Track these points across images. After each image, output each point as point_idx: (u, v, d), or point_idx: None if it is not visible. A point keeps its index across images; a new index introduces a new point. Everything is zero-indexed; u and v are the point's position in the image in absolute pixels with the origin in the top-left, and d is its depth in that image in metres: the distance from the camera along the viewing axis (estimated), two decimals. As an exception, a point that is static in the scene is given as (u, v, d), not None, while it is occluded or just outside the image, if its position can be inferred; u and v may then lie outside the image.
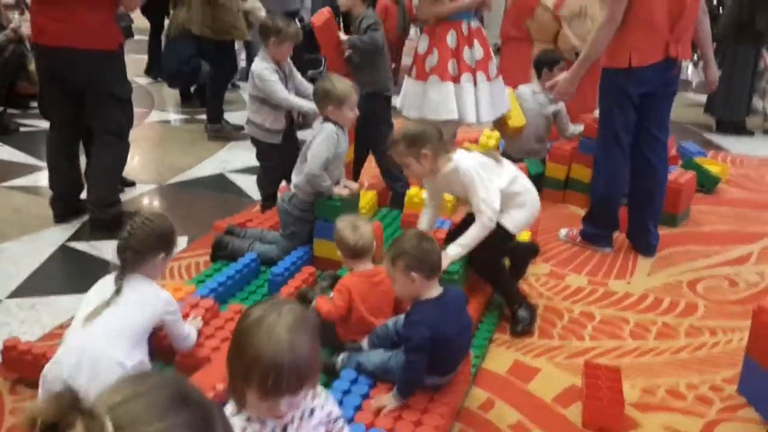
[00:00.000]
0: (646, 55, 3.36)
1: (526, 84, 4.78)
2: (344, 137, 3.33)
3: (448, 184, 2.98)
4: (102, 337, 2.05)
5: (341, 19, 7.85)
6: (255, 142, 3.99)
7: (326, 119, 3.28)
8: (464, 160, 2.86)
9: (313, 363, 1.44)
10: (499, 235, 2.88)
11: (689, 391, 2.62)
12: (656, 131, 3.57)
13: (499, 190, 2.84)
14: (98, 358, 2.01)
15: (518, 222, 2.93)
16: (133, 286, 2.16)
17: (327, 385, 2.33)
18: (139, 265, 2.20)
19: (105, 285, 2.21)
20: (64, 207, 3.97)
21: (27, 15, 7.59)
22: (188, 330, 2.39)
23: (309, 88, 3.98)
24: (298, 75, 4.01)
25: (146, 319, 2.16)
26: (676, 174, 4.23)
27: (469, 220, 2.94)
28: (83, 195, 3.96)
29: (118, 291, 2.13)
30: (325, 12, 4.29)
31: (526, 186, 2.96)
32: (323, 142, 3.21)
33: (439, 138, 2.87)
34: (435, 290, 2.29)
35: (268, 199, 4.08)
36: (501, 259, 3.03)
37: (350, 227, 2.67)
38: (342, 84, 3.25)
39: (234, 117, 6.21)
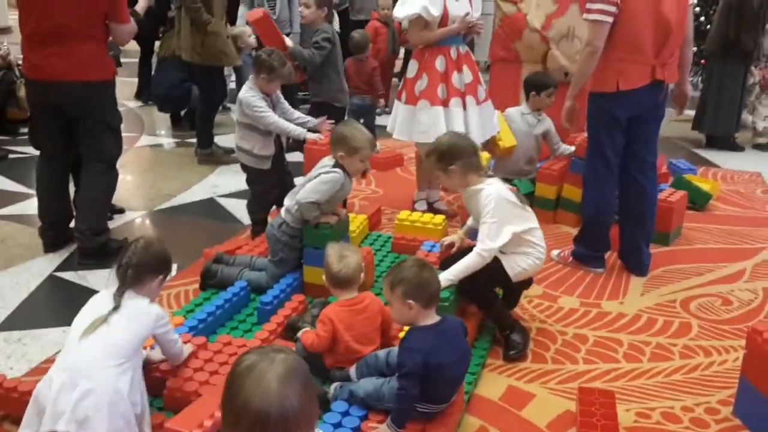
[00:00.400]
0: (633, 79, 3.37)
1: (515, 107, 4.78)
2: (349, 184, 3.29)
3: (469, 202, 3.02)
4: (98, 354, 2.08)
5: (338, 16, 7.89)
6: (244, 167, 3.97)
7: (336, 163, 3.22)
8: (492, 187, 2.89)
9: (305, 414, 1.39)
10: (496, 271, 2.88)
11: (684, 413, 2.59)
12: (645, 153, 3.57)
13: (511, 232, 2.85)
14: (92, 377, 2.04)
15: (517, 268, 2.92)
16: (129, 303, 2.21)
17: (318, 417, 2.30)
18: (138, 284, 2.25)
19: (100, 301, 2.23)
20: (53, 236, 3.94)
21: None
22: (179, 339, 2.46)
23: (294, 113, 4.03)
24: (284, 102, 4.00)
25: (139, 333, 2.20)
26: (667, 193, 4.23)
27: (466, 251, 2.95)
28: (72, 223, 3.93)
29: (116, 308, 2.17)
30: (259, 11, 4.74)
31: (539, 242, 2.96)
32: (327, 184, 3.15)
33: (470, 155, 2.91)
34: (432, 318, 2.28)
35: (259, 224, 4.05)
36: (493, 289, 3.00)
37: (337, 256, 2.66)
38: (360, 135, 3.19)
39: (224, 140, 6.19)
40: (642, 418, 2.56)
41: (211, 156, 5.87)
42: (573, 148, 4.48)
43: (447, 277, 2.83)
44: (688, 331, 3.19)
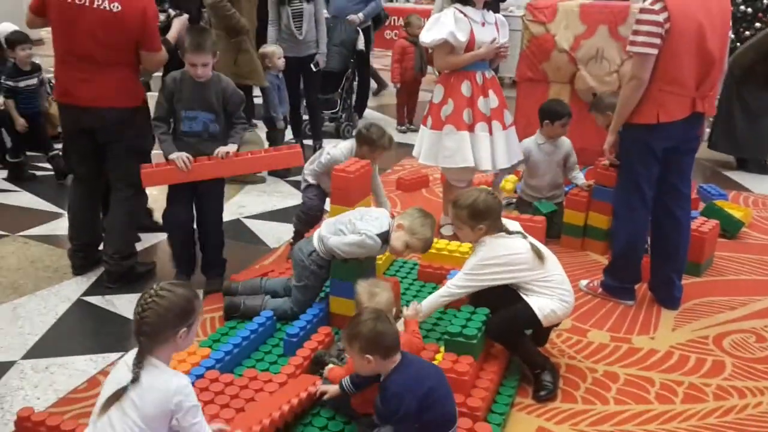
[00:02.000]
0: (673, 111, 3.31)
1: (529, 138, 4.65)
2: (382, 251, 3.29)
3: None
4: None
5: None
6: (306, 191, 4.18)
7: (388, 231, 3.16)
8: (487, 245, 2.90)
9: None
10: (526, 314, 2.85)
11: (719, 460, 2.53)
12: (680, 184, 3.51)
13: (493, 284, 2.89)
14: None
15: (546, 310, 2.86)
16: (150, 375, 1.95)
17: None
18: (157, 346, 1.98)
19: (123, 368, 2.00)
20: (83, 258, 3.97)
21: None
22: (203, 426, 2.03)
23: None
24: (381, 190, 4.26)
25: (160, 413, 1.94)
26: (699, 222, 4.16)
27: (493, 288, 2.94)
28: (101, 247, 3.97)
29: (135, 380, 1.93)
30: None
31: (560, 285, 2.92)
32: (362, 248, 3.11)
33: (497, 218, 2.92)
34: (394, 363, 2.29)
35: (299, 238, 4.07)
36: (522, 331, 2.95)
37: (367, 293, 2.65)
38: (429, 233, 3.14)
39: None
40: (675, 464, 2.50)
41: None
42: (586, 181, 4.41)
43: (424, 306, 2.96)
44: (721, 370, 3.12)
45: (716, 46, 3.26)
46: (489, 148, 4.23)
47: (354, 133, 4.52)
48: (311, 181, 4.11)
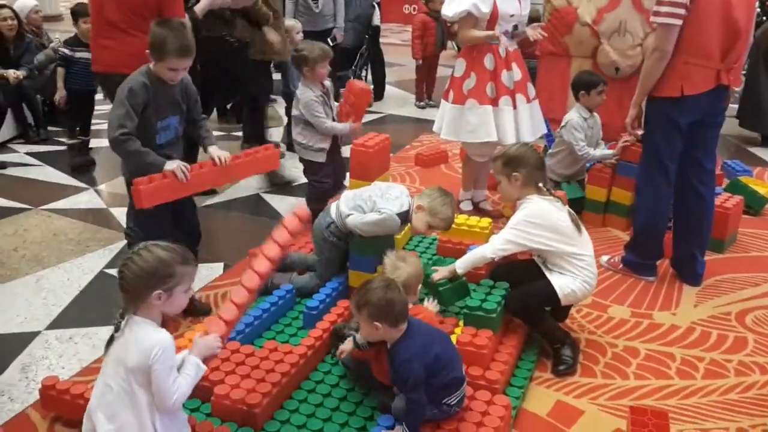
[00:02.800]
0: (698, 84, 3.25)
1: (572, 112, 4.48)
2: (402, 230, 3.27)
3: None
4: (106, 393, 1.94)
5: None
6: (302, 160, 4.12)
7: (409, 210, 3.10)
8: (535, 203, 2.85)
9: None
10: (546, 291, 2.83)
11: (740, 436, 2.52)
12: (704, 160, 3.46)
13: (536, 247, 2.85)
14: (110, 418, 1.92)
15: (567, 289, 2.84)
16: (133, 331, 1.94)
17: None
18: (138, 304, 1.96)
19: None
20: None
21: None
22: (175, 388, 1.95)
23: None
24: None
25: (140, 364, 1.90)
26: (723, 198, 4.10)
27: (518, 263, 2.97)
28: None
29: (116, 330, 2.01)
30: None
31: (589, 267, 2.88)
32: (380, 227, 3.06)
33: (536, 168, 2.87)
34: (402, 328, 2.29)
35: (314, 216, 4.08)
36: (542, 307, 2.92)
37: (391, 265, 2.65)
38: (448, 211, 3.07)
39: (271, 133, 6.18)
40: (695, 439, 2.49)
41: None
42: (610, 152, 4.34)
43: (459, 265, 2.92)
44: (743, 346, 3.09)
45: (742, 15, 3.19)
46: (513, 122, 4.18)
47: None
48: (302, 141, 4.01)
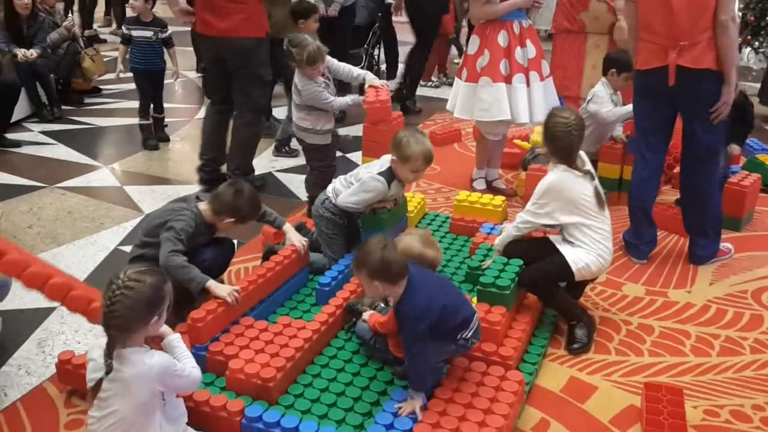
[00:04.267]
0: (647, 58, 3.36)
1: (598, 85, 4.35)
2: (398, 188, 3.21)
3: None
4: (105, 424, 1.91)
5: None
6: (304, 145, 3.98)
7: (388, 168, 3.13)
8: (554, 175, 2.84)
9: None
10: (559, 266, 2.82)
11: (755, 412, 2.50)
12: (699, 135, 3.36)
13: (556, 221, 2.85)
14: None
15: (580, 263, 2.82)
16: (122, 362, 1.89)
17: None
18: (128, 336, 1.90)
19: (99, 353, 1.94)
20: (209, 172, 4.54)
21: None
22: (187, 373, 2.03)
23: (353, 70, 3.91)
24: (336, 64, 3.88)
25: (147, 394, 1.92)
26: (740, 176, 4.05)
27: (534, 239, 2.99)
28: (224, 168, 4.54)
29: (108, 372, 1.87)
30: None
31: (605, 242, 2.87)
32: (369, 193, 3.12)
33: (566, 149, 2.84)
34: (402, 287, 2.29)
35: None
36: (555, 282, 2.90)
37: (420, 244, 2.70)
38: (416, 145, 3.03)
39: (279, 112, 6.17)
40: (710, 416, 2.48)
41: (269, 129, 5.83)
42: (622, 134, 4.29)
43: (496, 244, 3.05)
44: (759, 324, 3.06)
45: None
46: (526, 100, 4.14)
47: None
48: (308, 126, 3.86)
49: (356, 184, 3.14)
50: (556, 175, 2.83)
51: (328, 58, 3.86)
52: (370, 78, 3.76)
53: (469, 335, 2.36)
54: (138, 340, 1.95)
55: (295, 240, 3.11)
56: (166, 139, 5.72)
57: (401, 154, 3.04)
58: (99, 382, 1.90)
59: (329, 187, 3.30)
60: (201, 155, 4.57)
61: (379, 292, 2.31)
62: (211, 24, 4.16)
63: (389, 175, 3.11)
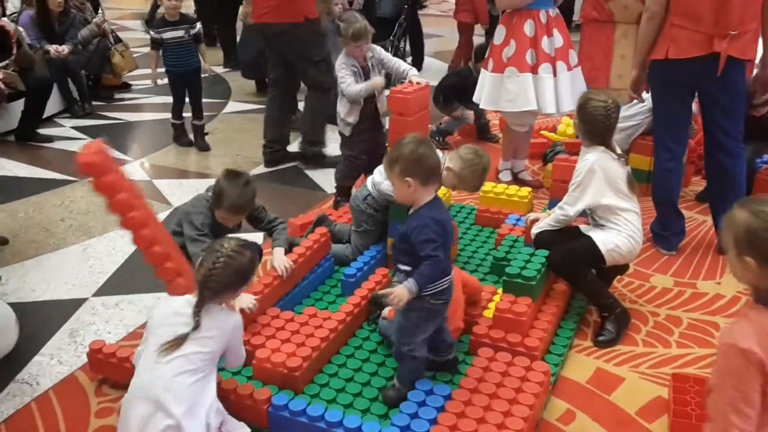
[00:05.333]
0: (685, 48, 3.18)
1: None
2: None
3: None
4: (181, 378, 1.99)
5: None
6: (340, 132, 4.04)
7: None
8: (594, 155, 2.82)
9: None
10: (589, 249, 2.81)
11: (786, 405, 2.46)
12: (725, 127, 3.32)
13: (592, 197, 2.82)
14: (178, 402, 1.97)
15: (610, 244, 2.80)
16: (209, 318, 2.07)
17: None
18: (217, 299, 2.11)
19: (177, 311, 2.09)
20: (273, 152, 4.98)
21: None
22: (242, 350, 2.27)
23: (400, 64, 3.86)
24: (387, 57, 3.89)
25: (221, 346, 2.12)
26: (771, 166, 3.98)
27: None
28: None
29: (196, 327, 2.04)
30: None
31: (635, 224, 2.86)
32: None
33: (600, 127, 2.84)
34: (431, 195, 2.27)
35: (342, 192, 4.08)
36: (585, 267, 2.86)
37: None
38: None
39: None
40: (739, 408, 2.44)
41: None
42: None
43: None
44: (791, 315, 3.01)
45: None
46: (553, 90, 4.09)
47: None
48: (339, 110, 3.91)
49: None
50: (596, 156, 2.81)
51: (381, 50, 3.91)
52: (412, 74, 3.68)
53: (438, 288, 2.25)
54: (221, 303, 2.15)
55: (277, 264, 2.91)
56: (207, 149, 5.43)
57: (462, 176, 2.98)
58: (184, 337, 2.02)
59: (368, 181, 3.30)
60: (264, 137, 4.99)
61: (409, 192, 2.23)
62: (255, 12, 4.64)
63: None
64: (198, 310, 2.06)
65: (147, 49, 5.87)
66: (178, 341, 2.02)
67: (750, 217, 1.58)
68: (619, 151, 2.89)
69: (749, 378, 1.54)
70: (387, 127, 3.69)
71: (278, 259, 2.93)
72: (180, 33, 5.20)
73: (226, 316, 2.14)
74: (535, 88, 4.05)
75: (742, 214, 1.60)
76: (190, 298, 2.10)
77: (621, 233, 2.81)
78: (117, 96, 7.05)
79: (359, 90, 3.75)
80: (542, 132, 5.18)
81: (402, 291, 2.16)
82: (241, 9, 7.31)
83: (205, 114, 5.56)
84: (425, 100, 3.49)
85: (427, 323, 2.32)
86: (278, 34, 4.56)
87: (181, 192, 4.48)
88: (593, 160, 2.81)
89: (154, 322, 2.13)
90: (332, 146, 5.04)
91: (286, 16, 4.49)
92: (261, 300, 2.71)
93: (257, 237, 3.62)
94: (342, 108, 3.88)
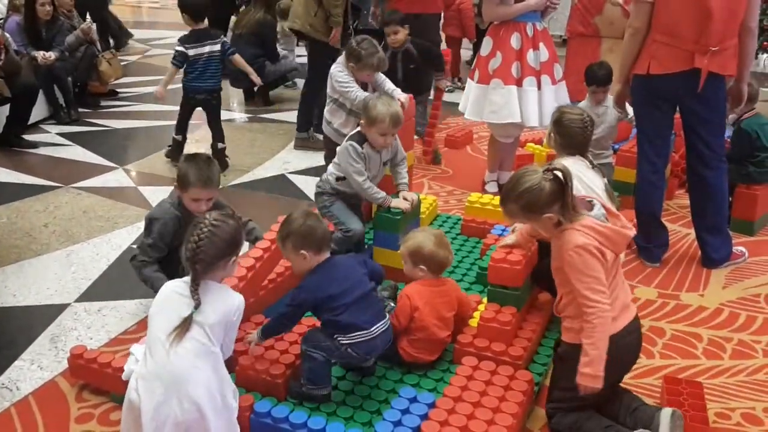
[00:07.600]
0: (666, 63, 3.25)
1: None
2: (376, 156, 3.20)
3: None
4: (190, 361, 1.98)
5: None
6: (326, 140, 4.05)
7: (359, 133, 3.18)
8: (568, 161, 2.76)
9: None
10: None
11: (767, 415, 2.48)
12: (706, 140, 3.37)
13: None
14: (190, 383, 1.97)
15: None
16: (209, 295, 2.06)
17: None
18: (210, 272, 2.08)
19: (180, 294, 2.06)
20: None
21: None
22: (234, 342, 2.23)
23: (386, 82, 3.92)
24: (388, 85, 3.91)
25: (224, 320, 2.08)
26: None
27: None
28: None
29: (197, 306, 2.02)
30: None
31: None
32: (340, 155, 3.20)
33: (581, 144, 2.89)
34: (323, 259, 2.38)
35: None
36: None
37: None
38: (382, 107, 3.06)
39: (291, 116, 6.18)
40: (721, 418, 2.46)
41: (307, 141, 5.64)
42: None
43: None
44: (773, 327, 3.04)
45: None
46: (537, 103, 4.13)
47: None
48: (329, 118, 3.97)
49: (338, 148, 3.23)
50: (569, 161, 2.80)
51: (384, 80, 3.94)
52: (398, 94, 3.75)
53: (345, 342, 2.31)
54: (217, 278, 2.12)
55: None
56: (225, 166, 5.02)
57: (368, 116, 3.08)
58: (189, 319, 2.00)
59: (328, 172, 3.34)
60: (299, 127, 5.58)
61: (306, 264, 2.34)
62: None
63: (359, 137, 3.15)
64: (195, 287, 2.04)
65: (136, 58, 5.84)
66: (185, 325, 2.00)
67: None
68: (595, 164, 2.91)
69: (595, 263, 2.08)
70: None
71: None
72: (205, 49, 4.83)
73: (227, 294, 2.12)
74: (519, 101, 4.09)
75: None
76: (188, 279, 2.07)
77: None
78: (103, 103, 7.01)
79: (357, 95, 3.78)
80: (528, 145, 5.22)
81: (253, 337, 2.42)
82: (233, 18, 7.33)
83: (196, 122, 5.46)
84: (411, 109, 3.57)
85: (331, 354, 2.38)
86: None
87: (167, 199, 4.45)
88: (567, 164, 2.76)
89: (156, 308, 2.10)
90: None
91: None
92: (246, 308, 2.70)
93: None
94: (335, 119, 3.92)
